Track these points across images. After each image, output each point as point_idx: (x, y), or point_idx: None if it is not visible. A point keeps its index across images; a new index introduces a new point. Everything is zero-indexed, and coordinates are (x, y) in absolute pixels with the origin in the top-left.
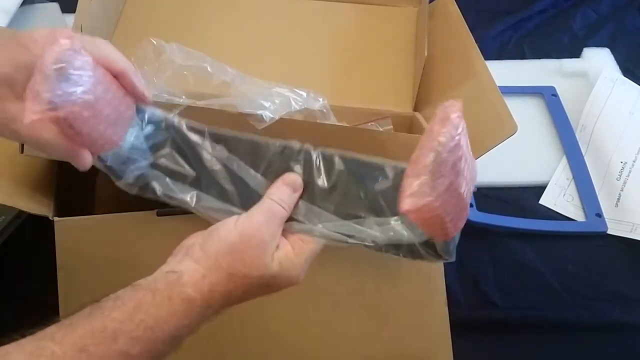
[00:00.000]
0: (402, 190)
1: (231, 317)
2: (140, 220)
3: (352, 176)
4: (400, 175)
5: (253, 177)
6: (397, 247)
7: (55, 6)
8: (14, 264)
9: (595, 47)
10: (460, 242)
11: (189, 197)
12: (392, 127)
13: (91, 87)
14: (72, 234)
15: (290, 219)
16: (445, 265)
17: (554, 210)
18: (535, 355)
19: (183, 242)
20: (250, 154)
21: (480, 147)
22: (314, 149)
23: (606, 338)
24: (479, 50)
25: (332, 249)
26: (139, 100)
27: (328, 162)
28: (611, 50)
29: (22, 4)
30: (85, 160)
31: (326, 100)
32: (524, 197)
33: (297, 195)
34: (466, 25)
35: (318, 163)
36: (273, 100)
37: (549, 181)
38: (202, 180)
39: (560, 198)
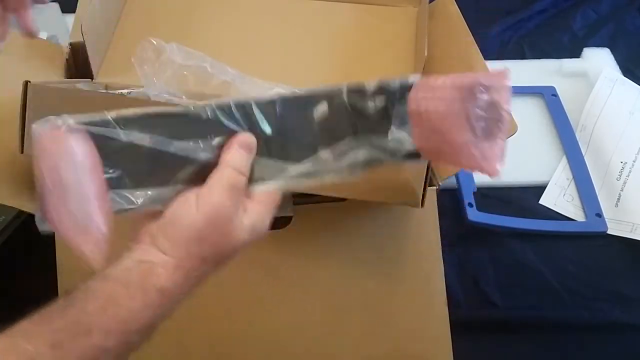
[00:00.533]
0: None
1: (231, 317)
2: (140, 221)
3: (293, 114)
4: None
5: (187, 147)
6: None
7: (55, 6)
8: (14, 264)
9: (595, 47)
10: (460, 242)
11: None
12: None
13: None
14: None
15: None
16: (445, 265)
17: (554, 210)
18: (535, 355)
19: (144, 228)
20: (171, 128)
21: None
22: (237, 100)
23: (606, 338)
24: (479, 50)
25: (332, 248)
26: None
27: (267, 109)
28: (611, 50)
29: None
30: None
31: None
32: (524, 197)
33: (252, 155)
34: (466, 25)
35: (256, 113)
36: None
37: (549, 181)
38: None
39: (560, 198)
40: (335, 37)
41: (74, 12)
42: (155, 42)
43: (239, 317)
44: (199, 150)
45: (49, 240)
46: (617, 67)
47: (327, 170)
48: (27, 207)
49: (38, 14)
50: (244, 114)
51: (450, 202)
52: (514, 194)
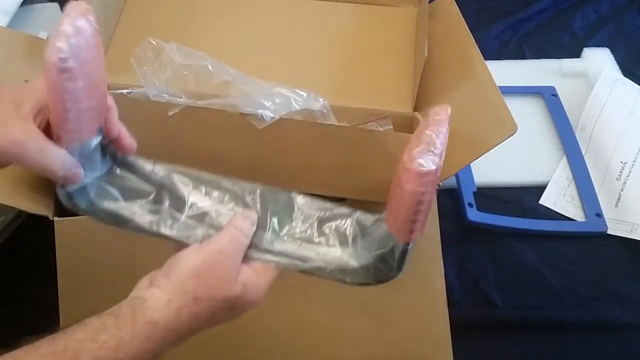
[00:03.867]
0: (409, 150)
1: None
2: None
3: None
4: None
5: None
6: (344, 272)
7: (55, 6)
8: (14, 264)
9: (595, 47)
10: (460, 242)
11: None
12: (392, 127)
13: (93, 62)
14: (72, 234)
15: (249, 248)
16: (445, 265)
17: (554, 210)
18: (535, 355)
19: (145, 276)
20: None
21: (480, 147)
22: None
23: (606, 338)
24: (479, 50)
25: None
26: (116, 144)
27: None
28: (611, 50)
29: (22, 4)
30: (61, 158)
31: (326, 100)
32: (524, 197)
33: (253, 228)
34: (466, 25)
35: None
36: (274, 100)
37: (549, 181)
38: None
39: (560, 198)
40: (335, 37)
41: None
42: (154, 42)
43: (238, 318)
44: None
45: (49, 241)
46: (617, 67)
47: (320, 261)
48: (27, 207)
49: (38, 14)
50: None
51: (450, 202)
52: (514, 194)
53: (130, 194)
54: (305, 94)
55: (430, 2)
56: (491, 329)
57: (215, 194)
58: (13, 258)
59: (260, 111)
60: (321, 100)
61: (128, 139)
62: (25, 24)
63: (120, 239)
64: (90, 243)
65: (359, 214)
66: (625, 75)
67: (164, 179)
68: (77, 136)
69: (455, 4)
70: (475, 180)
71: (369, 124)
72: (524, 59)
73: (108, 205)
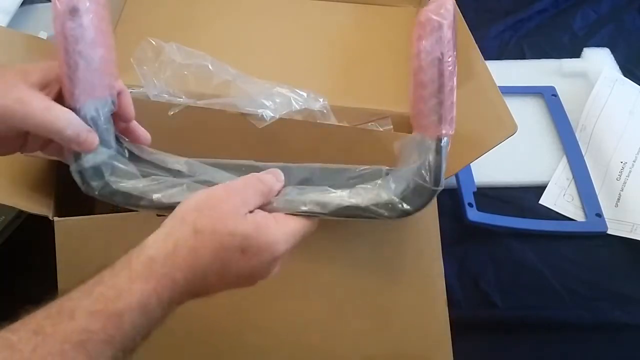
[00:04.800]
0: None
1: (230, 318)
2: (140, 220)
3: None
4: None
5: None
6: (378, 205)
7: None
8: (14, 264)
9: (595, 47)
10: (460, 242)
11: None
12: (392, 127)
13: (101, 9)
14: (72, 234)
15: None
16: (445, 265)
17: (554, 210)
18: (535, 355)
19: None
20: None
21: (480, 147)
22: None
23: (606, 338)
24: (479, 50)
25: (332, 248)
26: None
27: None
28: (611, 50)
29: (22, 4)
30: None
31: (326, 100)
32: (524, 197)
33: (279, 185)
34: (466, 25)
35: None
36: (274, 100)
37: (549, 181)
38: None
39: (560, 198)
40: (335, 37)
41: None
42: (154, 42)
43: (237, 317)
44: None
45: (49, 240)
46: (617, 67)
47: (349, 199)
48: (27, 207)
49: (38, 14)
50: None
51: (450, 202)
52: (514, 194)
53: (147, 173)
54: (305, 94)
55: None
56: (491, 329)
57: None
58: (13, 258)
59: (260, 111)
60: (321, 100)
61: (143, 130)
62: (25, 24)
63: (120, 239)
64: (90, 243)
65: (385, 169)
66: (625, 75)
67: (179, 167)
68: (88, 92)
69: (455, 4)
70: (475, 180)
71: (369, 124)
72: (524, 59)
73: (125, 184)
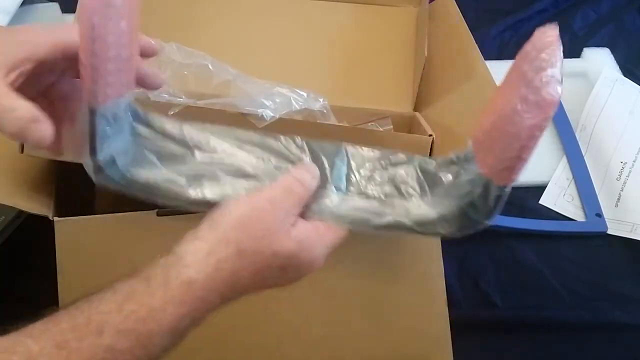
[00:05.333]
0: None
1: (231, 317)
2: (140, 220)
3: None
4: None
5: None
6: (423, 225)
7: (55, 6)
8: (14, 264)
9: (595, 47)
10: (460, 242)
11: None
12: (392, 127)
13: (134, 16)
14: (72, 234)
15: (310, 205)
16: (445, 265)
17: (554, 210)
18: (535, 355)
19: (191, 230)
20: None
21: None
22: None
23: (606, 338)
24: (479, 51)
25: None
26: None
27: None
28: (611, 50)
29: (22, 4)
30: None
31: (326, 100)
32: (524, 197)
33: (315, 182)
34: (466, 25)
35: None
36: (274, 100)
37: (549, 181)
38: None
39: (560, 198)
40: (335, 37)
41: (74, 12)
42: (154, 42)
43: (238, 317)
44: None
45: (49, 240)
46: (617, 67)
47: (402, 213)
48: (27, 207)
49: (38, 14)
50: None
51: None
52: (514, 194)
53: (165, 158)
54: (305, 94)
55: (430, 2)
56: (491, 329)
57: (258, 151)
58: (13, 258)
59: (260, 110)
60: (321, 100)
61: (155, 74)
62: (25, 24)
63: (121, 238)
64: (90, 243)
65: (418, 159)
66: (625, 75)
67: (196, 140)
68: (115, 91)
69: (455, 4)
70: None
71: (369, 124)
72: None
73: (146, 174)
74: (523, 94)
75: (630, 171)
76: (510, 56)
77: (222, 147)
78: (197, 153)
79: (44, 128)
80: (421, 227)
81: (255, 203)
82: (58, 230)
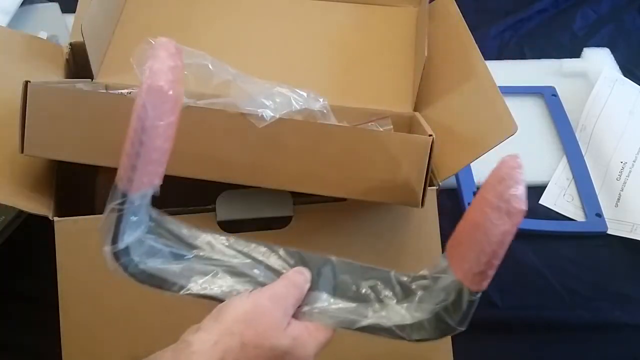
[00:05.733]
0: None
1: None
2: None
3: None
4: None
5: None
6: (402, 328)
7: (55, 6)
8: (14, 264)
9: (595, 47)
10: None
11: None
12: (392, 127)
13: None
14: (72, 234)
15: (301, 306)
16: None
17: (554, 210)
18: (535, 355)
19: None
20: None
21: (480, 147)
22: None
23: (606, 338)
24: (479, 51)
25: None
26: None
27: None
28: (611, 50)
29: (22, 4)
30: None
31: (326, 100)
32: None
33: (307, 285)
34: (466, 25)
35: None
36: (274, 100)
37: (549, 181)
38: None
39: (560, 198)
40: (335, 37)
41: (74, 12)
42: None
43: None
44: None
45: (49, 241)
46: (617, 67)
47: (382, 319)
48: (27, 207)
49: (38, 14)
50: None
51: (450, 202)
52: None
53: (174, 254)
54: (305, 94)
55: (430, 2)
56: (491, 329)
57: (259, 257)
58: (13, 258)
59: (260, 110)
60: (321, 100)
61: None
62: (25, 24)
63: None
64: (90, 243)
65: (393, 272)
66: (625, 75)
67: (199, 242)
68: (149, 181)
69: (455, 4)
70: (475, 180)
71: (369, 124)
72: (524, 59)
73: (156, 265)
74: (495, 204)
75: (630, 171)
76: (510, 56)
77: (223, 251)
78: (201, 253)
79: None
80: (401, 331)
81: (257, 300)
82: (58, 230)
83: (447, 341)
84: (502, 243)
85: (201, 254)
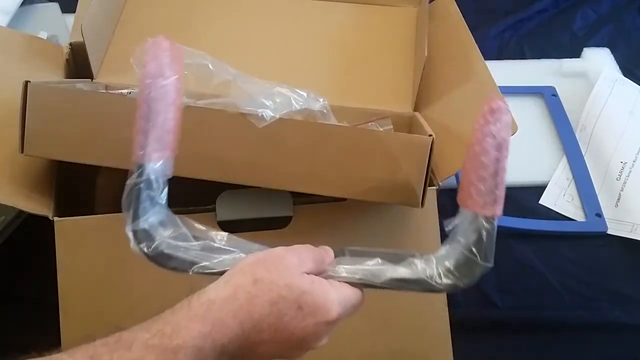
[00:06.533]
0: None
1: None
2: None
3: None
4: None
5: None
6: (431, 278)
7: (55, 6)
8: (14, 264)
9: (595, 47)
10: None
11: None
12: (392, 127)
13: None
14: (72, 234)
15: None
16: None
17: (554, 210)
18: (535, 355)
19: None
20: None
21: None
22: None
23: (606, 338)
24: (479, 51)
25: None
26: None
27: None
28: (611, 50)
29: (22, 4)
30: None
31: (326, 100)
32: (524, 197)
33: (330, 257)
34: (466, 25)
35: None
36: (274, 100)
37: (549, 181)
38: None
39: (560, 198)
40: (335, 37)
41: (74, 12)
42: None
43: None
44: None
45: (49, 241)
46: (617, 67)
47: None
48: (27, 207)
49: (38, 14)
50: None
51: (450, 202)
52: (514, 194)
53: (194, 237)
54: (305, 94)
55: (430, 2)
56: (491, 329)
57: None
58: (13, 258)
59: (260, 110)
60: (321, 100)
61: None
62: (25, 24)
63: (121, 239)
64: (90, 243)
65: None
66: (625, 75)
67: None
68: (159, 151)
69: (455, 4)
70: None
71: (369, 124)
72: (524, 59)
73: (179, 248)
74: (481, 126)
75: (630, 171)
76: (510, 56)
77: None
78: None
79: None
80: (430, 280)
81: (271, 250)
82: (58, 230)
83: (447, 341)
84: (498, 160)
85: (221, 236)
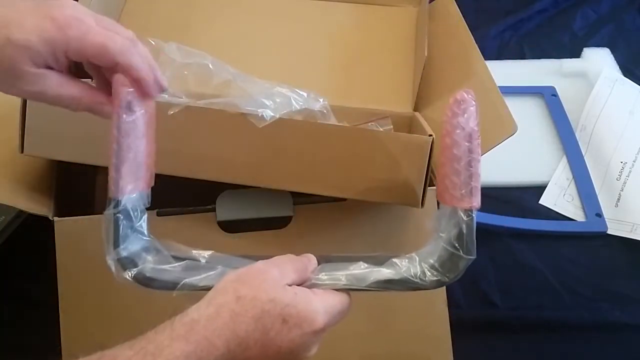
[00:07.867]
0: None
1: None
2: None
3: None
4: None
5: None
6: (415, 276)
7: None
8: (14, 264)
9: (595, 47)
10: None
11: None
12: (392, 127)
13: (152, 119)
14: (72, 234)
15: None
16: None
17: (554, 210)
18: (535, 355)
19: None
20: None
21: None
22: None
23: (606, 338)
24: (479, 51)
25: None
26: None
27: None
28: (611, 50)
29: None
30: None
31: (326, 100)
32: (524, 197)
33: (313, 265)
34: (466, 25)
35: None
36: (274, 100)
37: (549, 181)
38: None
39: (560, 198)
40: (335, 37)
41: None
42: (154, 42)
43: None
44: None
45: (49, 241)
46: (617, 67)
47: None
48: (27, 207)
49: None
50: None
51: None
52: (514, 194)
53: (175, 257)
54: (305, 94)
55: (430, 2)
56: (491, 329)
57: None
58: (13, 258)
59: (260, 110)
60: (321, 100)
61: (157, 80)
62: None
63: None
64: (90, 243)
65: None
66: (625, 75)
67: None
68: (132, 184)
69: (455, 4)
70: None
71: (369, 124)
72: (524, 59)
73: (161, 271)
74: (450, 118)
75: (630, 171)
76: (510, 56)
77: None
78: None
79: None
80: (415, 278)
81: (252, 265)
82: (58, 230)
83: (447, 341)
84: (470, 150)
85: (203, 255)
